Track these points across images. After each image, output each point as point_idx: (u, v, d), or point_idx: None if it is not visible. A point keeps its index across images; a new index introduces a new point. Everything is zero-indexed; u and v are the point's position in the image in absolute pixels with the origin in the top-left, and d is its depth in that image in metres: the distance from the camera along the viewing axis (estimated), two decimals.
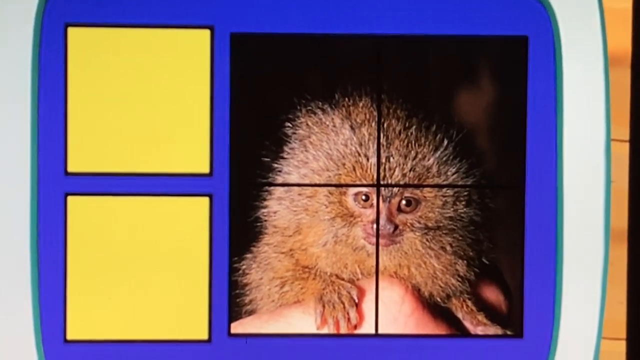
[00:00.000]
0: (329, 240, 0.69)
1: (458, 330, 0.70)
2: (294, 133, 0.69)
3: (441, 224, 0.69)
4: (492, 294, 0.70)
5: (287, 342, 0.69)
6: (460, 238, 0.69)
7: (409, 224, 0.69)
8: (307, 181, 0.69)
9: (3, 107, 0.67)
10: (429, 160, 0.69)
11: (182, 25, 0.68)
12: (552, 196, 0.69)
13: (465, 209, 0.69)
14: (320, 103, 0.69)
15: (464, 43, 0.69)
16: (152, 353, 0.69)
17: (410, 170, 0.69)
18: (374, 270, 0.69)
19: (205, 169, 0.69)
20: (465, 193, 0.69)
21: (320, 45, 0.69)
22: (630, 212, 0.75)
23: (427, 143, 0.69)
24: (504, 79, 0.69)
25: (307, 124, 0.69)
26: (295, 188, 0.69)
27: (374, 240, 0.69)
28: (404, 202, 0.69)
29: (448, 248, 0.69)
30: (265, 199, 0.69)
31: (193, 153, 0.69)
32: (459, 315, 0.70)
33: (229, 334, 0.70)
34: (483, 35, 0.69)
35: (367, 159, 0.69)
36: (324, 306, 0.69)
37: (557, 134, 0.69)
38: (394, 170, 0.69)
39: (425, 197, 0.69)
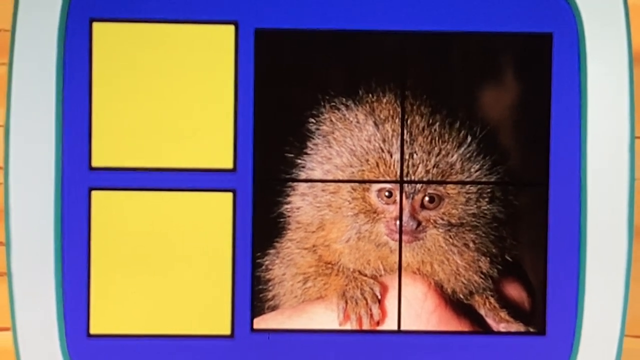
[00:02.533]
0: (352, 237, 0.69)
1: (481, 327, 0.70)
2: (318, 129, 0.69)
3: (464, 221, 0.69)
4: (515, 291, 0.70)
5: (309, 338, 0.69)
6: (483, 235, 0.69)
7: (432, 221, 0.69)
8: (330, 177, 0.69)
9: (28, 102, 0.68)
10: (452, 156, 0.69)
11: (206, 20, 0.68)
12: (576, 193, 0.69)
13: (488, 206, 0.69)
14: (344, 99, 0.69)
15: (489, 40, 0.69)
16: (175, 348, 0.69)
17: (433, 167, 0.69)
18: (396, 266, 0.69)
19: (228, 164, 0.69)
20: (489, 190, 0.69)
21: (345, 42, 0.69)
22: None
23: (451, 139, 0.69)
24: (528, 75, 0.69)
25: (331, 120, 0.69)
26: (319, 184, 0.69)
27: (397, 236, 0.69)
28: (427, 198, 0.69)
29: (471, 245, 0.69)
30: (288, 195, 0.69)
31: (217, 148, 0.69)
32: (482, 312, 0.70)
33: (252, 330, 0.70)
34: (507, 32, 0.69)
35: (391, 155, 0.69)
36: (346, 302, 0.69)
37: (581, 131, 0.69)
38: (418, 167, 0.69)
39: (448, 193, 0.69)
